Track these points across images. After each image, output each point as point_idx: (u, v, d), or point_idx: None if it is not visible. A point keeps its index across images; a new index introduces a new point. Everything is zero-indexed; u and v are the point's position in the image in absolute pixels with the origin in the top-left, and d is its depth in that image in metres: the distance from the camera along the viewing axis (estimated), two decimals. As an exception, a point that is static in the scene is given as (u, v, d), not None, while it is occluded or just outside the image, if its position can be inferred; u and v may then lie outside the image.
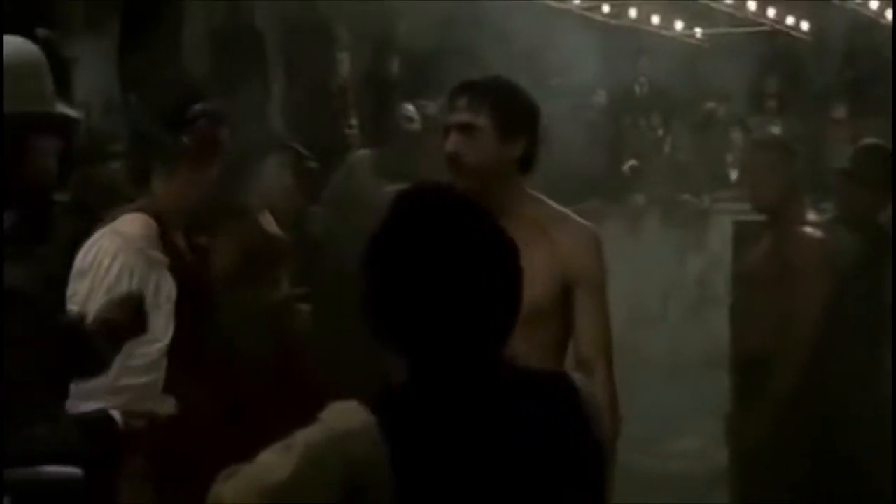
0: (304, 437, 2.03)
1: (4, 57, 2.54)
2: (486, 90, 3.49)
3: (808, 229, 4.94)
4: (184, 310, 3.50)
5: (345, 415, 2.03)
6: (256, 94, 8.64)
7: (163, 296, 3.45)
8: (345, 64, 9.30)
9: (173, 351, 3.46)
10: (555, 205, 3.65)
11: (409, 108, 7.59)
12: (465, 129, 3.45)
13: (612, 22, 10.67)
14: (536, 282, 3.07)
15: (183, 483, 3.01)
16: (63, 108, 2.63)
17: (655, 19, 11.15)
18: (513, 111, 3.49)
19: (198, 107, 3.74)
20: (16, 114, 2.51)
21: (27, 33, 8.05)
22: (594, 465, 2.15)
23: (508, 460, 2.05)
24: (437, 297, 2.06)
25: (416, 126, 7.45)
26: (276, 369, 4.27)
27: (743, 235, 5.28)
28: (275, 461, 2.02)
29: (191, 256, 3.77)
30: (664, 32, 11.30)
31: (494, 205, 3.07)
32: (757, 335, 4.47)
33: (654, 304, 11.22)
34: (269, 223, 5.05)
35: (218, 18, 9.07)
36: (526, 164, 3.54)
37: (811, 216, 5.04)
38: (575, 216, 3.67)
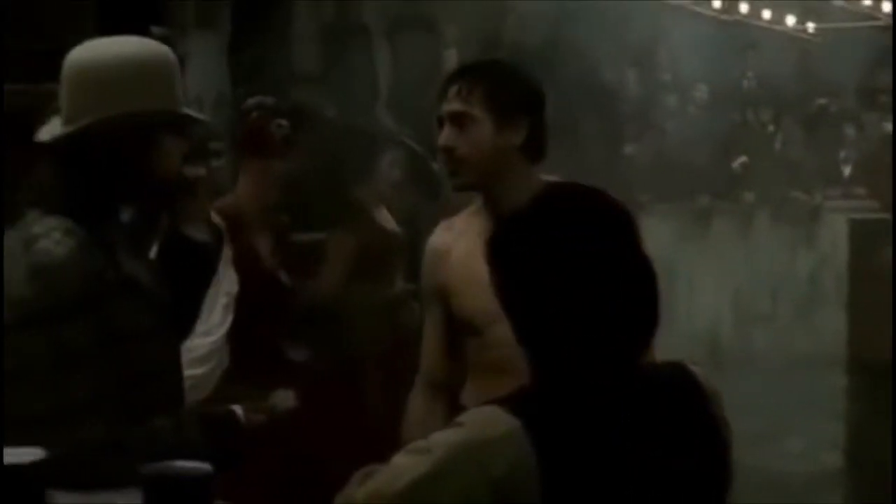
0: (443, 441, 1.99)
1: (137, 56, 2.56)
2: (478, 75, 3.13)
3: None
4: (254, 306, 3.50)
5: (488, 420, 1.99)
6: (365, 90, 8.71)
7: (221, 290, 3.45)
8: (452, 60, 9.31)
9: (249, 349, 3.48)
10: None
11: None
12: (457, 119, 3.08)
13: (723, 17, 10.56)
14: None
15: (306, 483, 3.04)
16: (188, 111, 2.65)
17: (766, 14, 11.07)
18: (509, 94, 3.10)
19: (252, 100, 3.74)
20: (145, 112, 2.53)
21: (142, 32, 8.18)
22: (721, 451, 2.13)
23: (648, 458, 2.02)
24: (585, 301, 2.02)
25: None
26: (390, 365, 4.27)
27: (860, 234, 5.15)
28: (409, 464, 1.99)
29: (270, 256, 3.78)
30: (776, 27, 11.17)
31: (503, 199, 3.00)
32: (882, 336, 4.37)
33: (763, 302, 11.12)
34: (386, 220, 5.06)
35: (327, 16, 9.12)
36: (533, 151, 3.14)
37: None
38: None
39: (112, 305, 2.42)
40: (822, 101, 11.20)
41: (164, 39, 8.55)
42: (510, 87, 3.11)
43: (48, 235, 2.42)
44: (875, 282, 4.76)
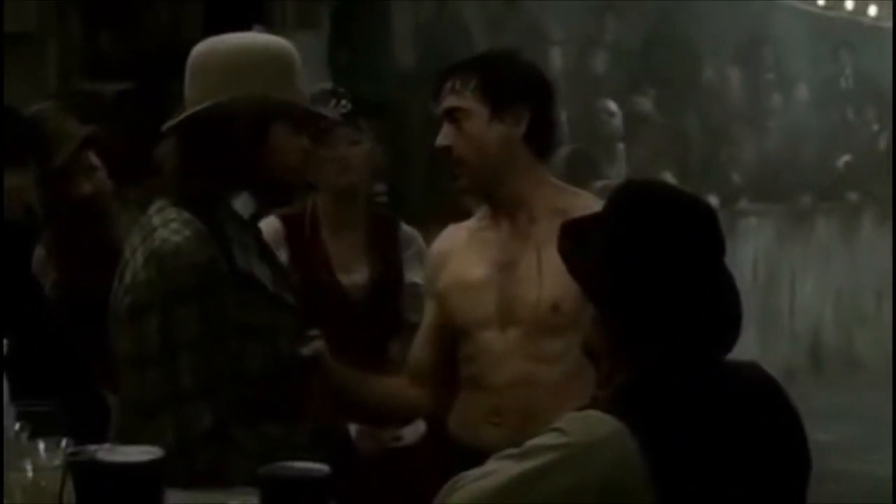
0: (542, 444, 1.97)
1: (258, 46, 2.60)
2: (471, 68, 2.90)
3: None
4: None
5: (588, 423, 1.97)
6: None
7: None
8: (554, 59, 9.29)
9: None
10: (590, 196, 3.01)
11: (610, 103, 7.51)
12: (453, 115, 2.87)
13: (829, 14, 10.44)
14: (557, 284, 2.71)
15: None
16: (307, 105, 2.65)
17: (872, 10, 10.92)
18: (504, 83, 2.88)
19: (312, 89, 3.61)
20: (259, 97, 2.53)
21: (245, 30, 8.24)
22: (801, 445, 2.13)
23: (743, 452, 2.01)
24: (682, 293, 2.02)
25: (617, 121, 7.37)
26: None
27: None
28: (502, 468, 1.97)
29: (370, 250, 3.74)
30: (882, 24, 11.00)
31: (512, 197, 2.89)
32: None
33: (868, 303, 10.95)
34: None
35: (426, 14, 9.14)
36: (538, 144, 2.92)
37: None
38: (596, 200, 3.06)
39: (224, 297, 2.44)
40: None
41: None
42: (505, 76, 2.90)
43: (166, 226, 2.47)
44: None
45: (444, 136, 2.88)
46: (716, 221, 2.10)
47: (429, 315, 3.05)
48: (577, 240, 2.13)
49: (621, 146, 7.75)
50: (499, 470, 1.97)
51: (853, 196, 10.89)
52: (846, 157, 11.03)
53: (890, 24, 10.77)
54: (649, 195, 2.14)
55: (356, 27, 8.67)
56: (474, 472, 2.00)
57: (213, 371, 2.41)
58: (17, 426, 2.11)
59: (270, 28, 8.71)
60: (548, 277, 2.80)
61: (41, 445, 2.02)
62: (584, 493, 1.92)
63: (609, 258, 2.05)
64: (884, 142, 11.34)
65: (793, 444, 2.12)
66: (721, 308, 2.06)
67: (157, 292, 2.42)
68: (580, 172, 6.53)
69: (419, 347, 3.06)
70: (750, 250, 9.82)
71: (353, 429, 2.56)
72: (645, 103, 9.47)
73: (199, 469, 2.35)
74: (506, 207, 2.93)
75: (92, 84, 7.13)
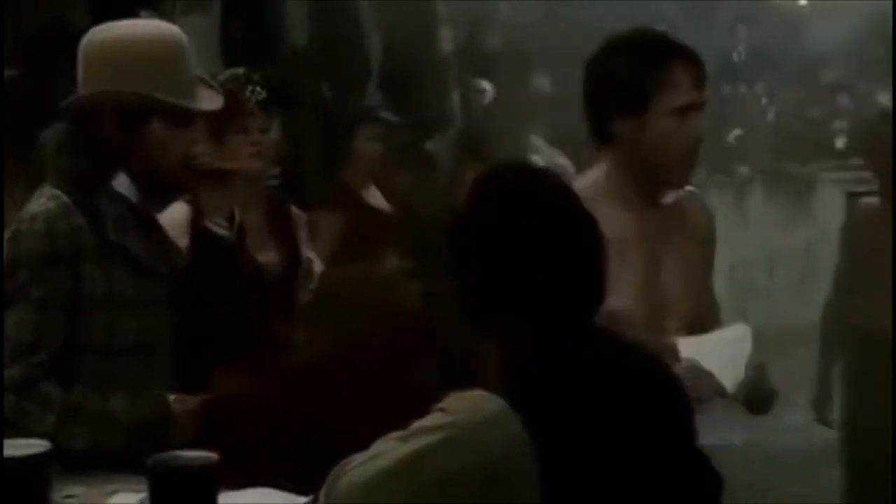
0: (426, 426, 1.99)
1: (154, 43, 2.61)
2: (698, 58, 2.97)
3: None
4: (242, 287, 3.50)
5: (473, 403, 2.00)
6: (355, 68, 8.70)
7: None
8: (446, 39, 9.31)
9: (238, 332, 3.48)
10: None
11: (481, 81, 7.56)
12: (703, 108, 2.95)
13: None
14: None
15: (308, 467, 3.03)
16: (182, 102, 2.66)
17: (758, -14, 11.04)
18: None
19: (222, 75, 3.67)
20: (129, 93, 2.57)
21: (131, 16, 8.15)
22: (687, 419, 2.22)
23: (625, 429, 2.07)
24: (525, 273, 2.08)
25: (490, 99, 7.43)
26: (382, 346, 4.27)
27: (857, 207, 5.16)
28: (389, 450, 2.00)
29: (266, 233, 3.77)
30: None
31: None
32: (889, 308, 4.37)
33: (760, 277, 11.13)
34: (374, 196, 5.07)
35: None
36: None
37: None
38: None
39: (88, 267, 2.51)
40: (816, 71, 11.20)
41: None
42: None
43: (35, 200, 2.58)
44: (876, 257, 4.74)
45: (701, 129, 2.95)
46: (573, 201, 2.17)
47: None
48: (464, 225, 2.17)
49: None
50: (385, 452, 1.99)
51: (743, 170, 11.03)
52: (737, 132, 11.17)
53: (791, 1, 10.95)
54: (508, 178, 2.17)
55: (247, 8, 8.63)
56: (361, 455, 2.01)
57: (68, 341, 2.48)
58: None
59: (158, 12, 8.64)
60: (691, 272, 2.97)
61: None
62: (471, 472, 1.95)
63: (469, 240, 2.10)
64: (772, 115, 11.51)
65: (677, 419, 2.16)
66: (583, 283, 2.10)
67: (9, 253, 2.54)
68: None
69: None
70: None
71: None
72: (542, 80, 9.52)
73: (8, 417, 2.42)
74: (662, 196, 3.00)
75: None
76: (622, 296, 2.74)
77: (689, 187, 3.11)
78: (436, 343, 4.12)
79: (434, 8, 9.35)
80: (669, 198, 3.01)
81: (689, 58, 2.89)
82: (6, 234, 2.60)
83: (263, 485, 2.34)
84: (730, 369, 2.80)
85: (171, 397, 2.63)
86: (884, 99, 10.98)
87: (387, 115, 5.81)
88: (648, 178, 2.94)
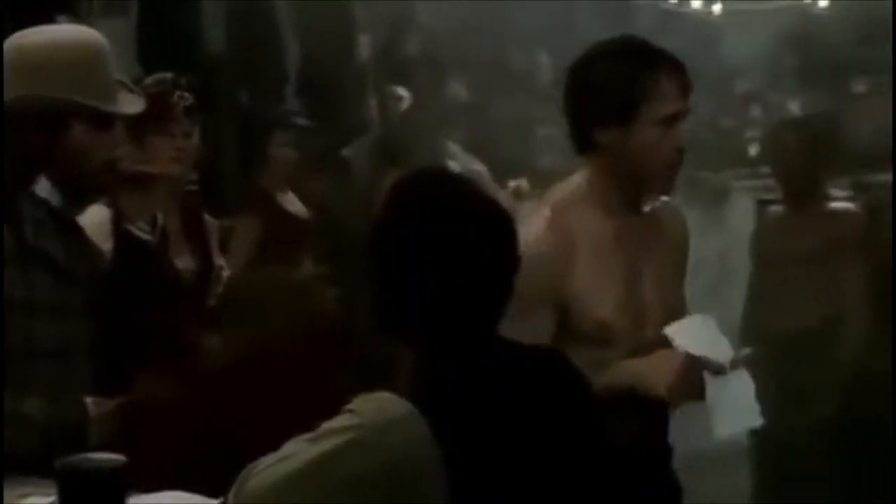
0: (334, 427, 2.01)
1: (75, 49, 2.62)
2: (682, 65, 2.97)
3: (845, 204, 5.01)
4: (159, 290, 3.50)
5: (380, 405, 2.02)
6: (274, 74, 8.70)
7: None
8: (365, 45, 9.32)
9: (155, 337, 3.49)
10: None
11: (398, 88, 7.61)
12: (685, 117, 2.92)
13: (631, 2, 10.71)
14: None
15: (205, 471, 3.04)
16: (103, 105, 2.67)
17: (673, -1, 11.21)
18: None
19: (149, 78, 3.69)
20: (47, 98, 2.58)
21: (48, 21, 8.06)
22: (593, 426, 2.24)
23: (530, 432, 2.11)
24: (439, 280, 2.11)
25: (405, 105, 7.48)
26: (298, 351, 4.29)
27: (766, 214, 5.27)
28: (297, 451, 2.02)
29: (182, 237, 3.79)
30: (681, 10, 11.30)
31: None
32: (795, 313, 4.47)
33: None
34: (290, 202, 5.09)
35: None
36: None
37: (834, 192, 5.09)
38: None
39: (10, 273, 2.53)
40: (729, 81, 11.36)
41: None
42: None
43: None
44: (785, 261, 4.85)
45: (684, 141, 2.90)
46: (487, 208, 2.19)
47: (547, 321, 2.80)
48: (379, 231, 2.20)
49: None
50: (294, 454, 2.01)
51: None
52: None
53: (689, 9, 11.09)
54: (424, 184, 2.20)
55: (165, 12, 8.59)
56: (269, 457, 2.03)
57: None
58: None
59: (76, 17, 8.58)
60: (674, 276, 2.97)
61: None
62: (378, 475, 1.97)
63: (385, 244, 2.13)
64: (686, 124, 11.65)
65: (582, 423, 2.20)
66: (494, 292, 2.13)
67: None
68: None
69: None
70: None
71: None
72: (458, 87, 9.57)
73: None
74: (643, 204, 2.97)
75: None
76: (605, 304, 2.80)
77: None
78: (353, 348, 4.16)
79: (352, 13, 9.37)
80: (648, 206, 2.99)
81: (674, 66, 2.89)
82: None
83: (180, 487, 2.34)
84: (720, 347, 2.83)
85: (89, 400, 2.63)
86: (795, 108, 11.17)
87: (301, 120, 5.84)
88: (632, 187, 2.91)
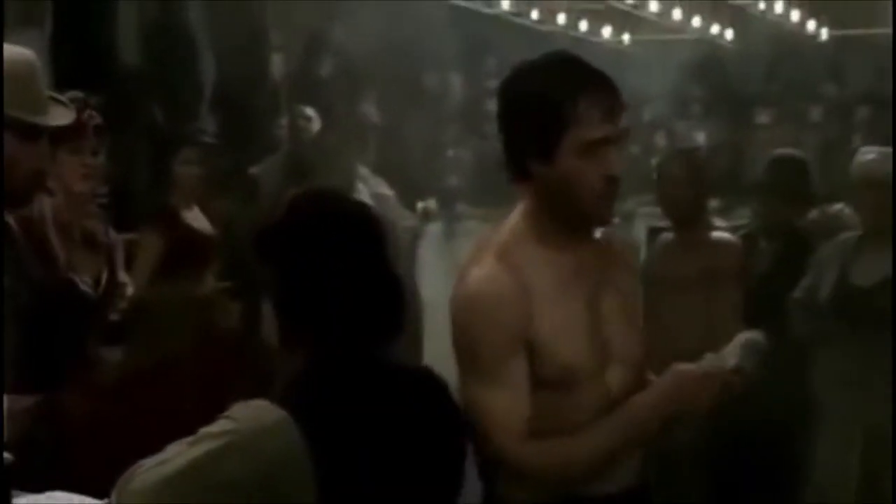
0: (212, 432, 2.09)
1: (6, 64, 2.72)
2: (613, 86, 2.62)
3: (726, 235, 5.13)
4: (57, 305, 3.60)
5: (256, 412, 2.11)
6: (188, 91, 8.75)
7: None
8: (278, 64, 9.40)
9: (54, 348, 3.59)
10: None
11: (307, 109, 7.71)
12: (622, 141, 2.62)
13: (541, 28, 10.86)
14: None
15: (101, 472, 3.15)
16: (50, 119, 2.79)
17: (583, 26, 11.36)
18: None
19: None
20: None
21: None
22: (461, 440, 2.37)
23: (401, 447, 2.20)
24: (325, 293, 2.21)
25: (315, 126, 7.57)
26: (205, 361, 4.39)
27: (656, 241, 5.41)
28: (177, 453, 2.09)
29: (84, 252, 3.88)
30: (592, 39, 11.49)
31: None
32: (675, 336, 4.62)
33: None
34: (196, 219, 5.17)
35: (151, 13, 9.13)
36: None
37: (722, 223, 5.25)
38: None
39: None
40: (636, 109, 11.56)
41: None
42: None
43: None
44: (665, 285, 4.99)
45: (617, 166, 2.58)
46: (376, 228, 2.30)
47: (518, 368, 2.56)
48: (261, 243, 2.32)
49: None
50: (174, 457, 2.10)
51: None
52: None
53: (601, 39, 11.28)
54: (317, 203, 2.33)
55: (80, 25, 8.62)
56: (151, 459, 2.12)
57: None
58: None
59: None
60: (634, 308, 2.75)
61: None
62: (252, 480, 2.06)
63: (277, 254, 2.25)
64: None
65: (452, 443, 2.33)
66: (379, 306, 2.26)
67: None
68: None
69: (524, 402, 2.57)
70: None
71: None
72: (370, 108, 9.66)
73: None
74: (590, 232, 2.72)
75: None
76: (570, 345, 2.58)
77: None
78: (254, 359, 4.24)
79: (267, 32, 9.44)
80: (598, 233, 2.75)
81: (599, 87, 2.56)
82: None
83: (75, 486, 2.43)
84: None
85: (6, 396, 2.72)
86: (700, 137, 11.40)
87: (206, 138, 5.92)
88: (569, 218, 2.63)
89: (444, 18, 10.14)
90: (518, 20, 10.81)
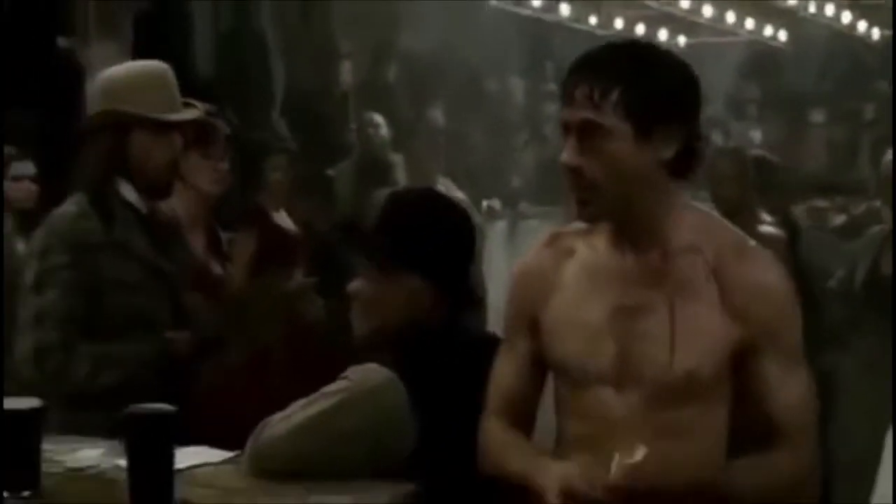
0: (331, 390, 2.50)
1: (128, 73, 3.33)
2: (612, 75, 2.26)
3: (770, 228, 5.41)
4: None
5: (367, 373, 2.51)
6: (260, 98, 9.14)
7: None
8: (346, 71, 9.73)
9: None
10: (728, 224, 2.46)
11: (376, 115, 8.06)
12: (587, 131, 2.27)
13: (600, 32, 11.14)
14: (693, 344, 2.30)
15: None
16: (176, 115, 3.30)
17: (640, 29, 11.62)
18: (656, 98, 2.27)
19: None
20: (117, 112, 3.22)
21: (48, 42, 8.52)
22: None
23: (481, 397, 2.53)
24: (436, 279, 2.63)
25: (384, 132, 7.92)
26: (294, 349, 4.77)
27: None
28: (300, 409, 2.50)
29: (205, 251, 4.33)
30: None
31: (647, 228, 2.33)
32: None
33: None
34: (282, 219, 5.57)
35: (226, 24, 9.45)
36: (682, 166, 2.33)
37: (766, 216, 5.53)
38: (756, 245, 2.44)
39: (97, 256, 3.17)
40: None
41: (68, 50, 8.99)
42: (656, 88, 2.27)
43: (63, 204, 3.25)
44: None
45: (573, 155, 2.28)
46: (466, 221, 2.74)
47: (521, 346, 2.48)
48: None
49: (398, 156, 8.26)
50: (295, 412, 2.52)
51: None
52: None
53: (671, 44, 11.53)
54: (415, 200, 2.77)
55: (158, 36, 8.98)
56: (278, 414, 2.53)
57: (75, 304, 3.13)
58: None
59: (73, 39, 8.99)
60: (682, 335, 2.31)
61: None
62: (363, 432, 2.47)
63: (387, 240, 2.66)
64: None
65: None
66: (471, 287, 2.70)
67: (39, 242, 3.21)
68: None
69: (517, 380, 2.48)
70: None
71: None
72: (436, 113, 9.99)
73: (48, 371, 3.09)
74: (636, 237, 2.36)
75: None
76: (574, 345, 2.42)
77: None
78: (334, 348, 4.64)
79: (335, 41, 9.79)
80: (659, 245, 2.42)
81: (574, 72, 2.30)
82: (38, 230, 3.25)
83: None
84: None
85: (168, 334, 3.28)
86: (756, 136, 11.67)
87: (291, 146, 6.34)
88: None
89: (505, 25, 10.47)
90: (577, 25, 11.09)
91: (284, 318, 4.97)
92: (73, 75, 8.93)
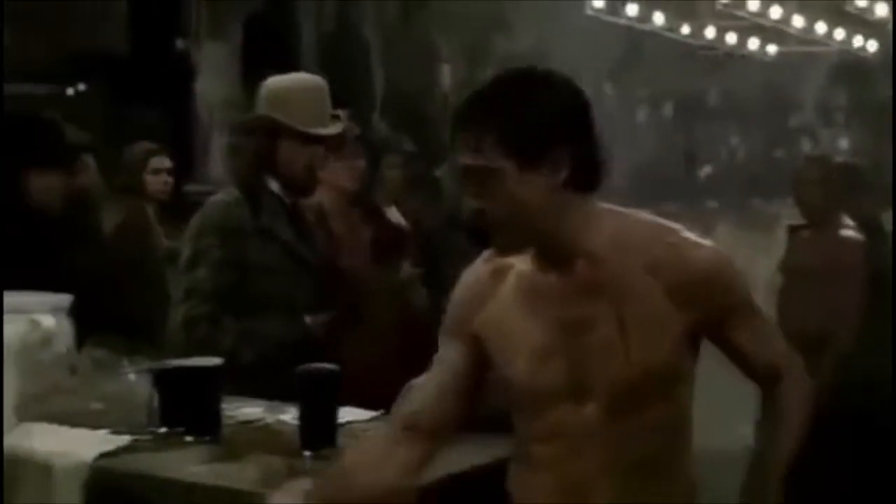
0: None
1: (283, 84, 3.68)
2: (488, 114, 2.28)
3: (852, 232, 5.63)
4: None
5: None
6: (362, 99, 9.51)
7: None
8: (445, 74, 10.06)
9: None
10: (646, 216, 2.43)
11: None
12: (474, 175, 2.28)
13: (691, 41, 11.40)
14: (646, 340, 2.31)
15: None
16: (323, 130, 3.66)
17: (731, 38, 11.78)
18: (531, 130, 2.27)
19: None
20: (268, 120, 3.57)
21: (167, 41, 8.90)
22: None
23: None
24: None
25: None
26: (403, 333, 5.11)
27: (793, 237, 5.98)
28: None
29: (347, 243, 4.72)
30: (740, 52, 11.91)
31: (564, 246, 2.32)
32: (801, 321, 5.10)
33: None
34: (395, 215, 5.91)
35: (328, 26, 9.80)
36: (584, 179, 2.31)
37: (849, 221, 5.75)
38: (676, 226, 2.43)
39: (246, 241, 3.54)
40: (783, 117, 11.97)
41: (183, 51, 9.44)
42: (529, 120, 2.27)
43: (217, 194, 3.65)
44: (797, 275, 5.57)
45: (471, 199, 2.31)
46: None
47: (453, 358, 2.43)
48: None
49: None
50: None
51: (713, 204, 11.84)
52: (707, 169, 11.99)
53: (747, 51, 11.73)
54: None
55: (265, 39, 9.29)
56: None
57: (222, 281, 3.49)
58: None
59: (187, 39, 9.42)
60: (635, 334, 2.31)
61: (125, 361, 2.97)
62: None
63: None
64: (742, 154, 12.33)
65: None
66: None
67: (194, 226, 3.58)
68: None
69: (423, 397, 2.45)
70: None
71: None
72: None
73: (196, 340, 3.41)
74: (556, 256, 2.36)
75: (19, 86, 7.69)
76: (522, 366, 2.39)
77: None
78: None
79: (435, 43, 10.11)
80: (579, 264, 2.43)
81: (451, 121, 2.35)
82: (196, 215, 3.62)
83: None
84: None
85: (307, 318, 3.62)
86: (843, 144, 11.83)
87: (408, 146, 6.70)
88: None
89: (600, 32, 10.74)
90: (670, 34, 11.29)
91: (397, 304, 5.34)
92: (187, 75, 9.38)
